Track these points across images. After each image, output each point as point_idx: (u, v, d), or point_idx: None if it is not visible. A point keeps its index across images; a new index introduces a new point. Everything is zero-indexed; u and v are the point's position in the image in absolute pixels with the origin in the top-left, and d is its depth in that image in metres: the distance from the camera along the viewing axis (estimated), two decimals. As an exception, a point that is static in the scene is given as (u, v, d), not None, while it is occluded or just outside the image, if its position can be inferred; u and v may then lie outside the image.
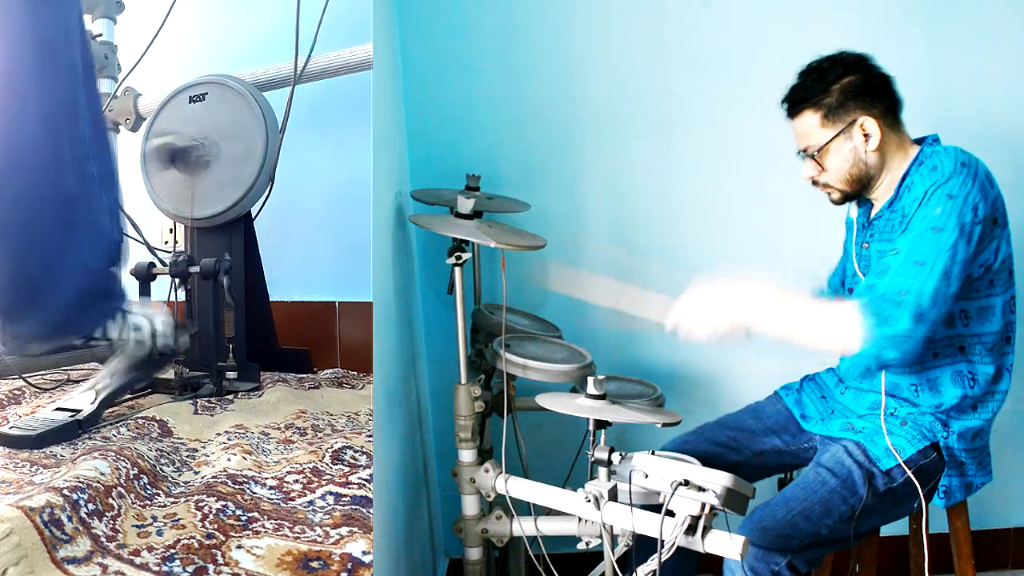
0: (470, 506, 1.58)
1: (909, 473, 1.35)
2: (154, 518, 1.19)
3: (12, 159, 1.44)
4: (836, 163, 1.40)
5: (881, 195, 1.44)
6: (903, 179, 1.40)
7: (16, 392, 1.94)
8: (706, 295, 1.32)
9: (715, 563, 1.33)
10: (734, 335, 1.31)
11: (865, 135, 1.38)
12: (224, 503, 1.22)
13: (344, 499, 1.29)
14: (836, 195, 1.44)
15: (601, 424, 1.32)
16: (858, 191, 1.43)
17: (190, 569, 1.04)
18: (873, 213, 1.46)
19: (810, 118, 1.40)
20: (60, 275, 1.52)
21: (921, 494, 1.35)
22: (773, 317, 1.33)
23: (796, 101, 1.41)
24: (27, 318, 1.53)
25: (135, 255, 2.30)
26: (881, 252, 1.41)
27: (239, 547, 1.10)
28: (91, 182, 1.56)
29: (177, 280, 2.06)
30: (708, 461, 1.41)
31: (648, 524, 1.23)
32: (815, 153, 1.40)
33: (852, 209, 1.53)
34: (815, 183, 1.45)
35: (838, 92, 1.38)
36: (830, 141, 1.39)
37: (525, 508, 1.53)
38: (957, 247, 1.26)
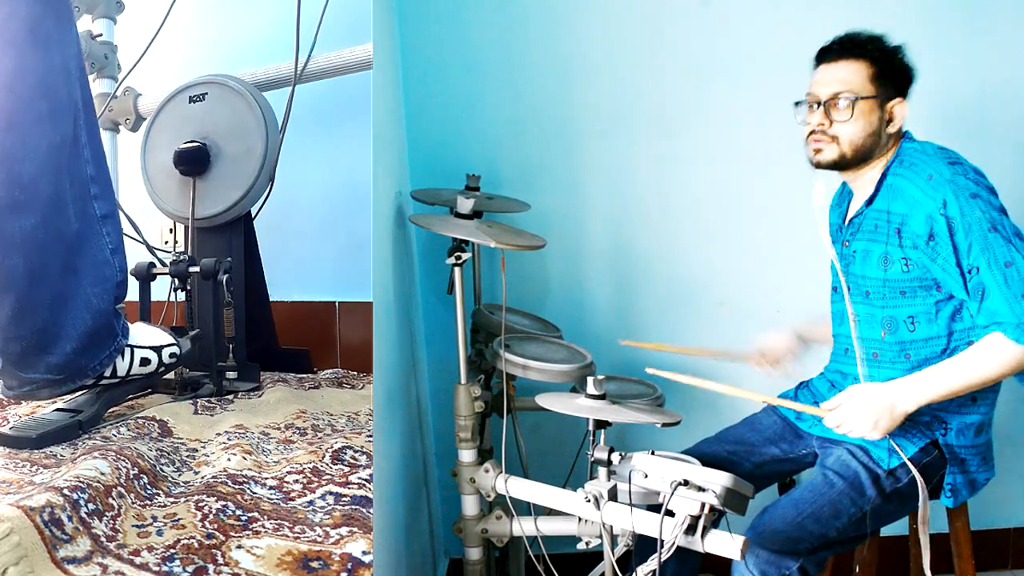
0: (470, 506, 1.58)
1: (915, 471, 1.35)
2: (154, 518, 1.19)
3: (14, 201, 1.42)
4: (860, 125, 1.39)
5: (861, 186, 1.44)
6: (883, 176, 1.40)
7: (16, 392, 1.94)
8: (864, 399, 1.31)
9: (716, 564, 1.33)
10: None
11: (891, 117, 1.39)
12: (224, 503, 1.22)
13: (344, 499, 1.29)
14: (831, 155, 1.40)
15: (601, 424, 1.32)
16: (852, 161, 1.41)
17: (190, 569, 1.04)
18: (852, 212, 1.46)
19: (858, 67, 1.39)
20: (66, 317, 1.51)
21: (923, 491, 1.35)
22: (935, 391, 1.31)
23: (853, 45, 1.40)
24: (36, 364, 1.51)
25: (135, 255, 2.30)
26: (867, 252, 1.41)
27: (239, 547, 1.10)
28: (93, 221, 1.54)
29: (177, 280, 2.06)
30: None
31: (648, 524, 1.23)
32: (844, 101, 1.38)
33: (818, 194, 1.51)
34: (815, 134, 1.41)
35: (894, 66, 1.39)
36: (870, 98, 1.38)
37: (525, 508, 1.53)
38: (1014, 228, 1.29)
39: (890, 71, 1.39)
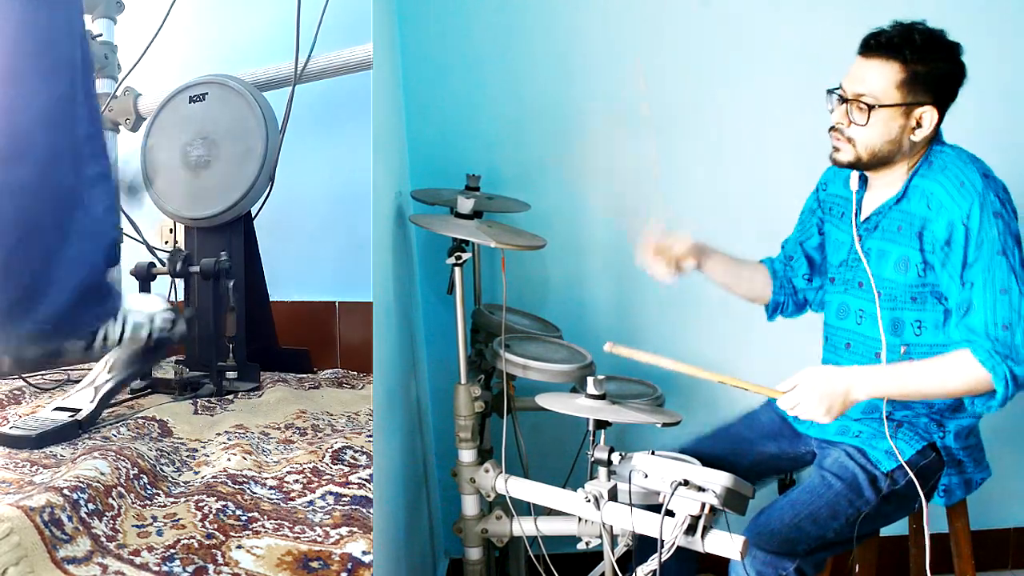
0: (470, 506, 1.58)
1: (911, 474, 1.35)
2: (154, 518, 1.19)
3: (9, 154, 1.43)
4: (876, 131, 1.33)
5: (882, 184, 1.40)
6: (911, 178, 1.37)
7: (16, 392, 1.94)
8: (819, 381, 1.29)
9: (716, 563, 1.33)
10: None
11: (919, 124, 1.33)
12: (224, 503, 1.22)
13: (344, 499, 1.29)
14: (847, 157, 1.36)
15: (601, 424, 1.32)
16: (869, 165, 1.37)
17: (190, 569, 1.04)
18: (871, 207, 1.42)
19: (889, 70, 1.31)
20: (58, 273, 1.51)
21: (922, 494, 1.35)
22: (890, 387, 1.31)
23: (890, 46, 1.30)
24: (26, 316, 1.51)
25: (135, 255, 2.30)
26: (883, 252, 1.39)
27: (239, 547, 1.10)
28: (88, 180, 1.55)
29: (177, 280, 2.06)
30: None
31: (648, 524, 1.23)
32: (866, 104, 1.32)
33: (853, 181, 1.44)
34: (835, 131, 1.37)
35: (930, 69, 1.31)
36: (891, 106, 1.31)
37: (525, 508, 1.53)
38: (1022, 259, 1.28)
39: (926, 75, 1.30)
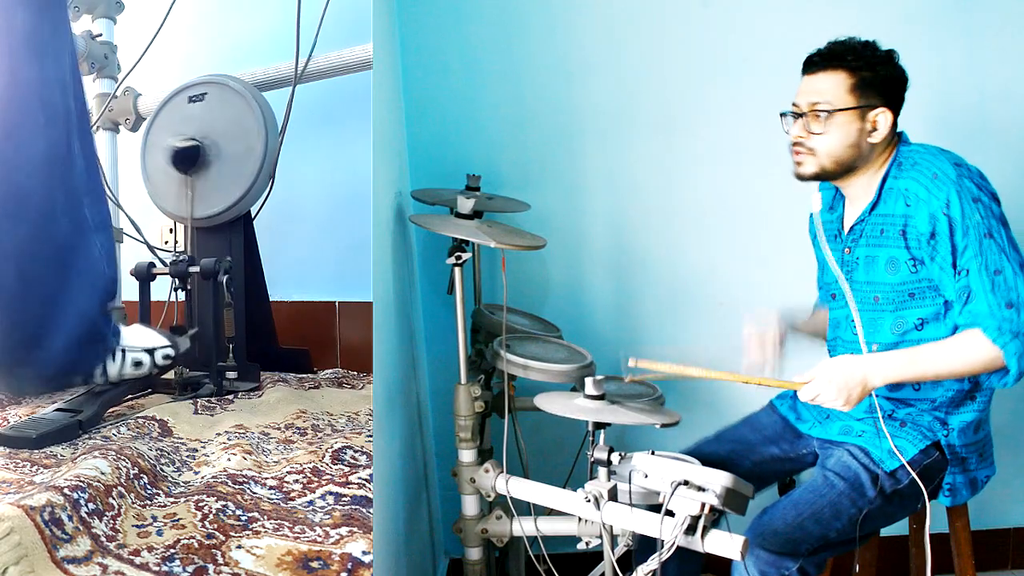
0: (470, 506, 1.58)
1: (913, 474, 1.35)
2: (154, 518, 1.19)
3: (7, 210, 1.44)
4: (836, 137, 1.38)
5: (856, 193, 1.43)
6: (884, 181, 1.40)
7: (16, 392, 1.94)
8: (837, 371, 1.31)
9: (717, 564, 1.33)
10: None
11: (874, 127, 1.38)
12: (224, 503, 1.22)
13: (344, 499, 1.29)
14: (812, 168, 1.40)
15: (601, 424, 1.32)
16: (835, 173, 1.41)
17: (190, 569, 1.04)
18: (853, 219, 1.45)
19: (837, 79, 1.37)
20: (56, 322, 1.52)
21: (925, 494, 1.36)
22: (905, 372, 1.33)
23: (832, 56, 1.38)
24: (26, 366, 1.53)
25: (135, 255, 2.30)
26: (871, 258, 1.41)
27: (239, 547, 1.10)
28: (85, 228, 1.55)
29: (177, 280, 2.06)
30: None
31: (648, 524, 1.23)
32: (823, 113, 1.37)
33: (815, 203, 1.50)
34: (796, 146, 1.41)
35: (875, 73, 1.37)
36: (847, 110, 1.37)
37: (525, 508, 1.53)
38: (1009, 238, 1.30)
39: (873, 80, 1.37)
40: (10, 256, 1.45)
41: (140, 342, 1.74)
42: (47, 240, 1.49)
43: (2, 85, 1.43)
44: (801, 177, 1.43)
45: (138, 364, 1.72)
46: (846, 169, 1.40)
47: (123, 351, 1.68)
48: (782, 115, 1.43)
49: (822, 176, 1.42)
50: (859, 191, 1.43)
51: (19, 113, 1.44)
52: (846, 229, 1.47)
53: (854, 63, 1.37)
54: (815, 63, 1.40)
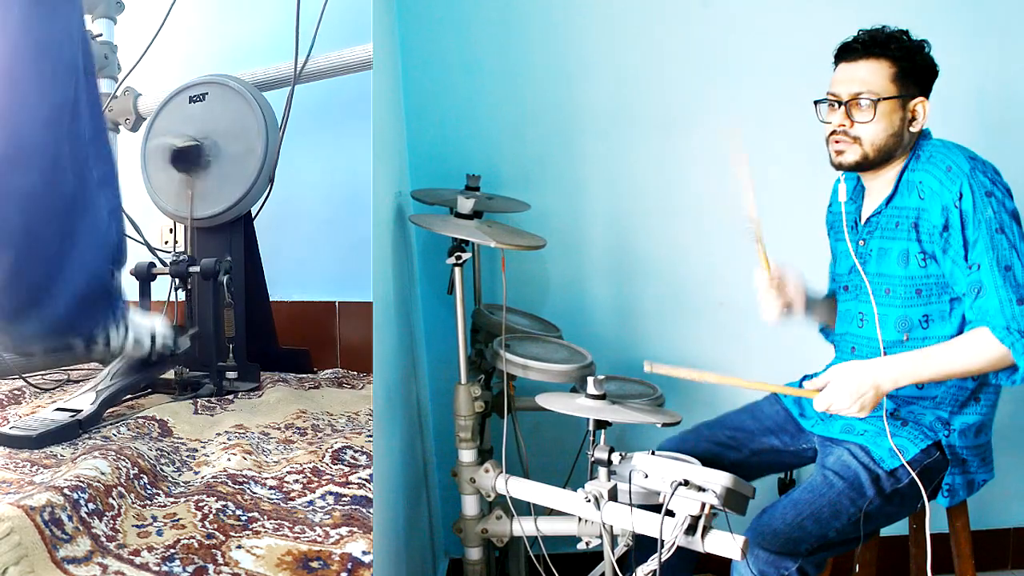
0: (470, 506, 1.58)
1: (913, 474, 1.35)
2: (154, 518, 1.19)
3: (12, 160, 1.44)
4: (881, 124, 1.37)
5: (877, 185, 1.43)
6: (901, 174, 1.40)
7: (16, 392, 1.94)
8: (848, 379, 1.31)
9: (715, 563, 1.33)
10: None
11: (914, 116, 1.38)
12: (224, 503, 1.22)
13: (344, 499, 1.29)
14: (854, 156, 1.38)
15: (601, 424, 1.32)
16: (875, 162, 1.39)
17: (190, 569, 1.04)
18: (870, 211, 1.45)
19: (880, 67, 1.36)
20: (61, 276, 1.52)
21: (924, 494, 1.35)
22: (914, 374, 1.32)
23: (874, 44, 1.37)
24: (29, 318, 1.52)
25: (135, 255, 2.30)
26: (884, 250, 1.41)
27: (239, 547, 1.10)
28: (91, 184, 1.55)
29: (177, 280, 2.06)
30: (706, 460, 1.42)
31: (648, 524, 1.23)
32: (865, 101, 1.36)
33: (841, 192, 1.49)
34: (836, 135, 1.39)
35: (916, 64, 1.37)
36: (891, 98, 1.36)
37: (525, 508, 1.53)
38: (1021, 235, 1.30)
39: (912, 70, 1.37)
40: (16, 206, 1.45)
41: (142, 320, 1.75)
42: (54, 192, 1.49)
43: (11, 36, 1.44)
44: (841, 167, 1.41)
45: (138, 343, 1.71)
46: (886, 158, 1.39)
47: (126, 325, 1.68)
48: (817, 103, 1.41)
49: (863, 165, 1.40)
50: (881, 184, 1.43)
51: (27, 64, 1.45)
52: (863, 220, 1.47)
53: (896, 52, 1.36)
54: (855, 50, 1.38)
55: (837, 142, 1.40)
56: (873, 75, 1.37)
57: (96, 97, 1.60)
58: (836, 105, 1.39)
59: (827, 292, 1.63)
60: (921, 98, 1.38)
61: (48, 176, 1.47)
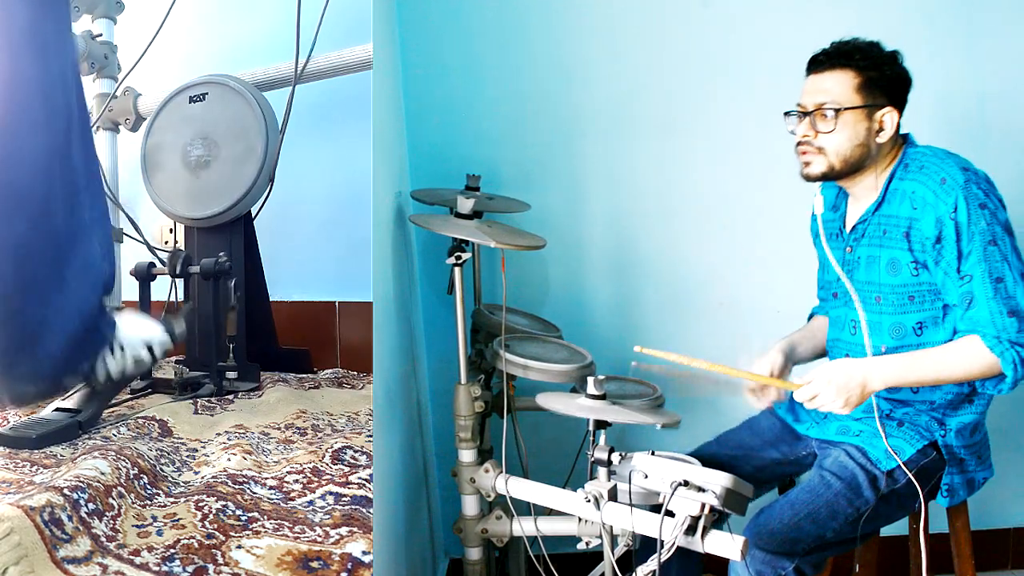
0: (470, 506, 1.58)
1: (910, 475, 1.35)
2: (154, 518, 1.19)
3: (5, 209, 1.43)
4: (845, 134, 1.37)
5: (862, 193, 1.43)
6: (889, 181, 1.40)
7: (16, 392, 1.94)
8: (836, 374, 1.32)
9: (717, 564, 1.33)
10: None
11: (881, 127, 1.38)
12: (224, 503, 1.22)
13: (344, 499, 1.29)
14: (820, 167, 1.39)
15: (601, 424, 1.32)
16: (842, 173, 1.40)
17: (190, 569, 1.04)
18: (855, 217, 1.45)
19: (844, 77, 1.37)
20: (56, 317, 1.51)
21: (921, 494, 1.36)
22: (904, 376, 1.33)
23: (839, 56, 1.38)
24: (24, 360, 1.52)
25: (135, 255, 2.30)
26: (872, 257, 1.41)
27: (239, 547, 1.10)
28: (83, 225, 1.55)
29: (177, 280, 2.06)
30: None
31: (648, 524, 1.23)
32: (829, 112, 1.36)
33: (817, 205, 1.50)
34: (803, 145, 1.40)
35: (881, 72, 1.37)
36: (854, 108, 1.36)
37: (525, 508, 1.53)
38: (1012, 247, 1.31)
39: (879, 80, 1.37)
40: (7, 253, 1.44)
41: (137, 333, 1.74)
42: (45, 237, 1.48)
43: (3, 81, 1.42)
44: (808, 178, 1.42)
45: (138, 361, 1.71)
46: (854, 168, 1.40)
47: (122, 347, 1.67)
48: (786, 115, 1.42)
49: (830, 176, 1.41)
50: (864, 190, 1.43)
51: (19, 109, 1.44)
52: (848, 228, 1.47)
53: (861, 62, 1.37)
54: (821, 62, 1.39)
55: (804, 153, 1.41)
56: (837, 85, 1.37)
57: (89, 138, 1.59)
58: (802, 116, 1.40)
59: (811, 312, 1.65)
60: (889, 108, 1.37)
61: (39, 222, 1.46)
